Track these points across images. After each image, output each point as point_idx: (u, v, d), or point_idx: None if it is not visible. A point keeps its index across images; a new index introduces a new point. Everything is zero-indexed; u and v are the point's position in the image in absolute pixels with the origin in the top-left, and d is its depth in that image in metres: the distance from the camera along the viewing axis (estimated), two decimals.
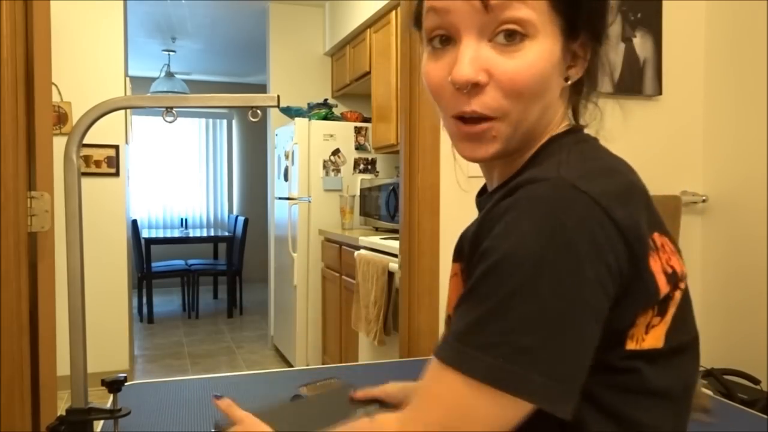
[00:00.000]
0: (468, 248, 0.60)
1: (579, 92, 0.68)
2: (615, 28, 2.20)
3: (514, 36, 0.58)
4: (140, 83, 6.08)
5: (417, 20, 0.67)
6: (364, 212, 3.69)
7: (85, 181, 3.49)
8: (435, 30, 0.61)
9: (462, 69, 0.58)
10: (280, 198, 4.17)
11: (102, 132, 3.47)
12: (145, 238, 5.42)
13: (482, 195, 0.74)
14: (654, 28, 2.18)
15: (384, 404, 0.87)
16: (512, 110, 0.60)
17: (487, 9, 0.57)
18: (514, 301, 0.50)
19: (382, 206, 3.38)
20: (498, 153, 0.62)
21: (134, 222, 5.14)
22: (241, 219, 6.02)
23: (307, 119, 3.76)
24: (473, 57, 0.58)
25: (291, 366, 3.88)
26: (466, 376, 0.51)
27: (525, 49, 0.58)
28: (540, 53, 0.59)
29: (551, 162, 0.59)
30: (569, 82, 0.65)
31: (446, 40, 0.61)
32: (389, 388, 0.92)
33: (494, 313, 0.51)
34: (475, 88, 0.59)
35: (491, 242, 0.53)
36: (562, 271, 0.50)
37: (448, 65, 0.60)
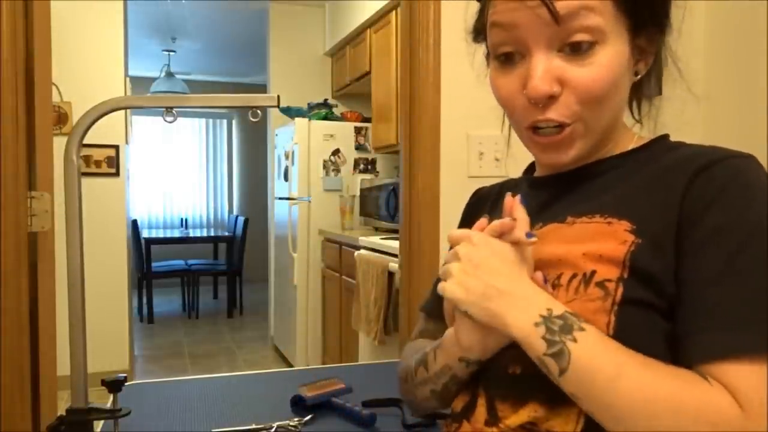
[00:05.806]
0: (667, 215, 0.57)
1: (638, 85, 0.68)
2: None
3: (583, 44, 0.58)
4: (140, 83, 6.07)
5: (477, 34, 0.68)
6: (364, 212, 3.69)
7: (85, 181, 3.49)
8: (501, 46, 0.62)
9: (536, 84, 0.58)
10: (280, 198, 4.17)
11: (102, 132, 3.47)
12: (145, 238, 5.41)
13: (530, 173, 0.76)
14: None
15: None
16: (587, 115, 0.60)
17: (558, 21, 0.57)
18: None
19: (382, 206, 3.37)
20: (579, 155, 0.63)
21: (134, 222, 5.14)
22: (241, 219, 6.01)
23: (307, 119, 3.76)
24: (545, 70, 0.58)
25: (291, 366, 3.88)
26: None
27: (597, 56, 0.58)
28: (611, 57, 0.59)
29: (699, 146, 0.63)
30: (638, 77, 0.66)
31: (513, 54, 0.61)
32: None
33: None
34: (550, 99, 0.59)
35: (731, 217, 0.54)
36: None
37: (520, 78, 0.61)
